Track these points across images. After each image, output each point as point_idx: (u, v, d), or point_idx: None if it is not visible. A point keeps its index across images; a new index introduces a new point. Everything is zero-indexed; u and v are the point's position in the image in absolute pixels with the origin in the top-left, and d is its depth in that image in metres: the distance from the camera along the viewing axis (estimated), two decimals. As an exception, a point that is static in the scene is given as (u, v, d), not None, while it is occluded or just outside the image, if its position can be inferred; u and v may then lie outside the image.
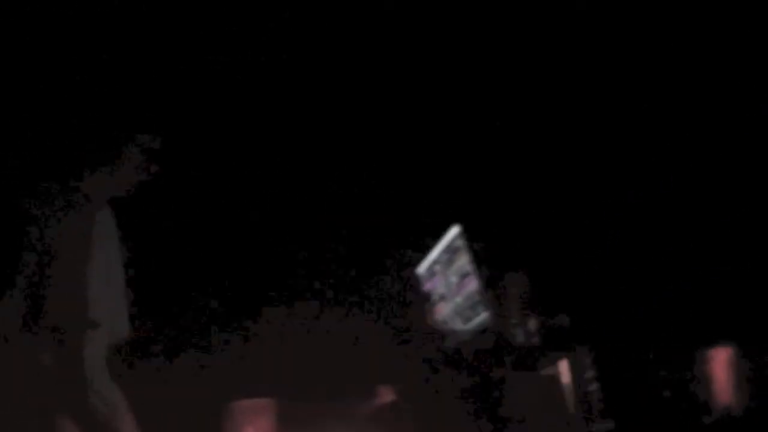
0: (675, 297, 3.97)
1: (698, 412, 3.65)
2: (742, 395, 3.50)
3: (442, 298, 4.81)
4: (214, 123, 4.56)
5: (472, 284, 4.45)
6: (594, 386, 4.00)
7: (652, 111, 4.28)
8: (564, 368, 4.12)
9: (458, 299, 4.64)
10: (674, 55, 4.10)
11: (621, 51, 4.13)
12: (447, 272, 4.71)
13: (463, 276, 4.55)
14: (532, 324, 4.38)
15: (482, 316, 4.39)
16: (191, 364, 4.92)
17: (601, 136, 4.33)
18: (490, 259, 4.42)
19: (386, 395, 5.15)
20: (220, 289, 5.18)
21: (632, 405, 3.87)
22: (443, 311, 4.81)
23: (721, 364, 3.62)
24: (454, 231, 4.56)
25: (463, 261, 4.52)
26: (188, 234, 4.86)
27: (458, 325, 4.66)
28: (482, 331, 4.39)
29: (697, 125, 4.23)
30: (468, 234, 4.49)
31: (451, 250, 4.63)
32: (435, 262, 4.84)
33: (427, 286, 5.00)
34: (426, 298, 4.96)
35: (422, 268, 5.04)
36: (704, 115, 4.18)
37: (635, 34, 4.06)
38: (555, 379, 4.16)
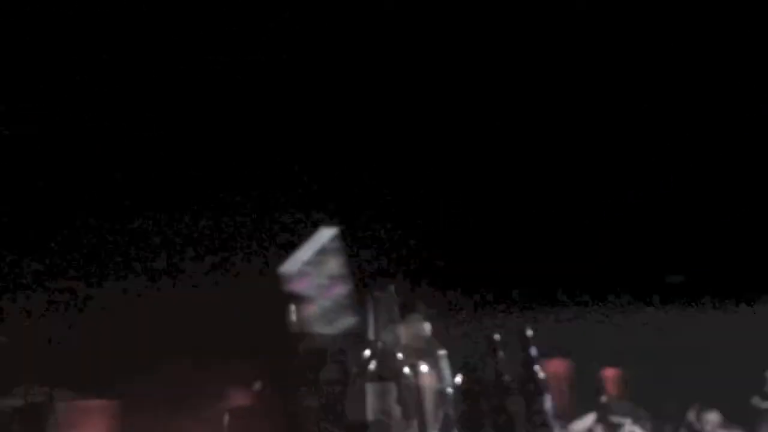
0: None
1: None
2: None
3: (309, 299, 4.69)
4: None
5: (341, 287, 4.38)
6: (451, 392, 4.03)
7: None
8: (425, 374, 4.08)
9: (324, 302, 4.55)
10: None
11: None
12: (317, 274, 4.61)
13: (333, 278, 4.46)
14: (399, 331, 4.32)
15: (347, 321, 4.32)
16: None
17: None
18: (362, 263, 4.37)
19: (240, 397, 4.95)
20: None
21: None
22: (308, 313, 4.70)
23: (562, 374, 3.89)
24: (328, 232, 4.48)
25: (335, 264, 4.44)
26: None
27: (323, 328, 4.56)
28: (347, 335, 4.31)
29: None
30: (343, 237, 4.42)
31: (323, 252, 4.54)
32: (305, 262, 4.73)
33: (294, 286, 4.87)
34: (292, 298, 4.82)
35: (290, 266, 4.91)
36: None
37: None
38: (416, 385, 4.08)
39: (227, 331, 4.31)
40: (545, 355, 3.73)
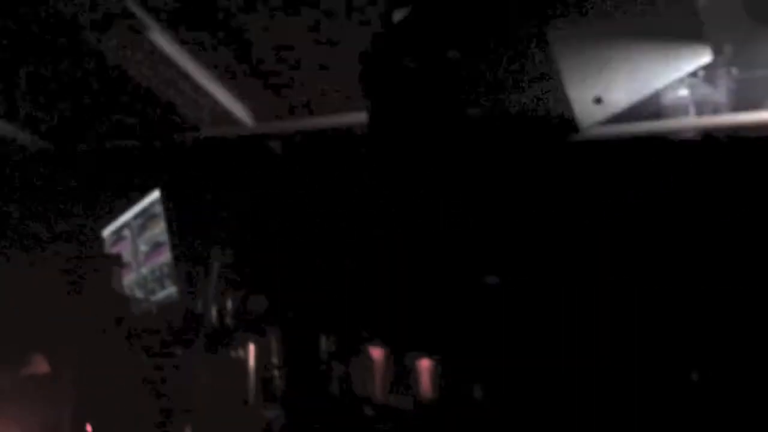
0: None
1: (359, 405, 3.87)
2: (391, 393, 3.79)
3: (127, 265, 4.45)
4: None
5: (164, 256, 4.19)
6: (277, 372, 4.02)
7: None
8: (251, 352, 4.06)
9: (144, 270, 4.34)
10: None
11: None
12: (137, 239, 4.37)
13: (156, 246, 4.26)
14: (229, 305, 4.20)
15: (169, 291, 4.15)
16: None
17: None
18: (193, 231, 4.18)
19: (41, 364, 4.62)
20: None
21: (303, 394, 4.00)
22: (126, 279, 4.46)
23: (379, 362, 3.81)
24: (153, 195, 4.24)
25: (159, 229, 4.23)
26: None
27: (141, 297, 4.35)
28: (169, 306, 4.14)
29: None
30: (170, 200, 4.21)
31: (146, 216, 4.31)
32: (125, 225, 4.47)
33: (113, 250, 4.60)
34: (111, 262, 4.55)
35: (109, 230, 4.63)
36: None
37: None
38: (241, 363, 4.08)
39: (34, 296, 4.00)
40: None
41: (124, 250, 4.47)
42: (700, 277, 3.53)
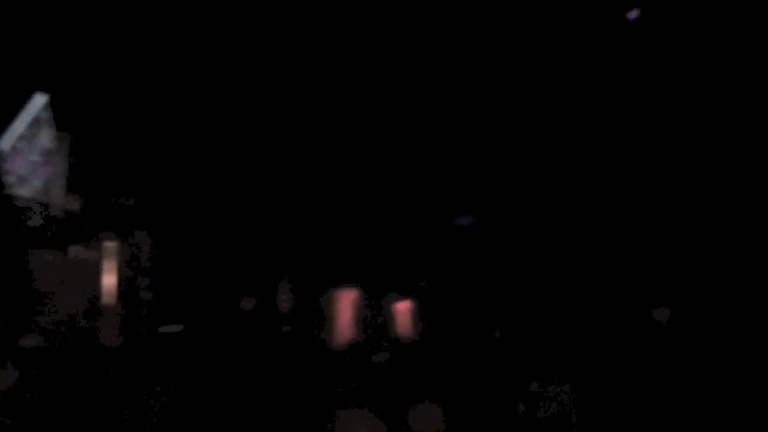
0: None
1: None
2: (357, 334, 3.79)
3: (22, 179, 3.94)
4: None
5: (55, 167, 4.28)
6: (146, 280, 3.82)
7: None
8: (108, 252, 3.84)
9: (37, 182, 4.22)
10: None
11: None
12: (30, 149, 3.98)
13: (47, 154, 4.25)
14: (74, 201, 4.59)
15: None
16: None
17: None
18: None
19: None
20: None
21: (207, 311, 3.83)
22: (24, 191, 3.99)
23: (345, 305, 3.82)
24: (38, 100, 3.99)
25: (47, 137, 4.19)
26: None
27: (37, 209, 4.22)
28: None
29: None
30: (57, 104, 4.19)
31: (35, 123, 3.99)
32: (19, 137, 3.76)
33: (10, 165, 3.70)
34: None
35: (5, 143, 3.58)
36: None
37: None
38: (89, 262, 3.84)
39: None
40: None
41: (20, 163, 3.81)
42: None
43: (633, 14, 3.99)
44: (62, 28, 4.17)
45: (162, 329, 3.54)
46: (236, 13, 4.05)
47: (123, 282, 3.53)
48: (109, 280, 3.49)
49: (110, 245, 3.52)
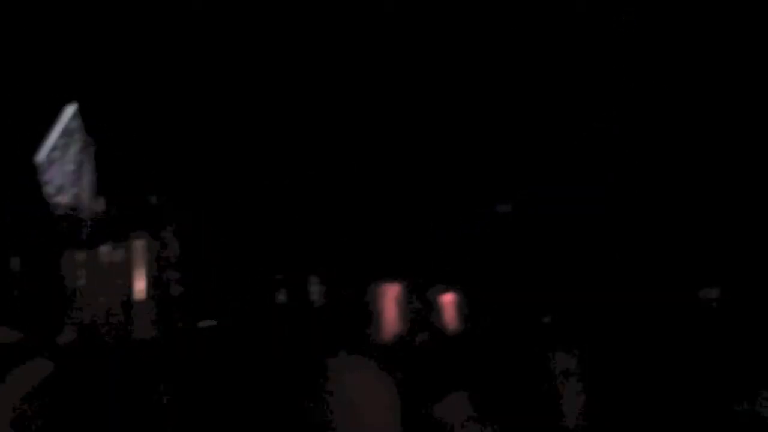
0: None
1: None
2: (405, 329, 3.76)
3: (60, 189, 4.11)
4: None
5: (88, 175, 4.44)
6: (174, 274, 3.88)
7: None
8: (137, 250, 3.92)
9: (74, 189, 4.38)
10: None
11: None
12: (64, 159, 4.14)
13: (80, 164, 4.41)
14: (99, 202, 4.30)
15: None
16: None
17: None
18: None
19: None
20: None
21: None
22: (62, 200, 4.17)
23: (390, 300, 3.77)
24: (69, 110, 4.16)
25: (78, 145, 4.35)
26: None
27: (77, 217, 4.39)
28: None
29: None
30: (88, 113, 4.35)
31: (67, 133, 4.15)
32: (53, 148, 3.93)
33: (47, 177, 3.88)
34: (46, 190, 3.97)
35: (41, 155, 3.76)
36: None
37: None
38: (118, 261, 3.93)
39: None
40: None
41: (56, 173, 3.98)
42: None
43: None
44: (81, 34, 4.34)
45: (201, 324, 3.65)
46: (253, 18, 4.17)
47: (153, 278, 3.64)
48: (139, 276, 3.60)
49: (139, 243, 3.63)
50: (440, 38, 4.04)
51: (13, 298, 3.41)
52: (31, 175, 3.95)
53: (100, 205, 3.95)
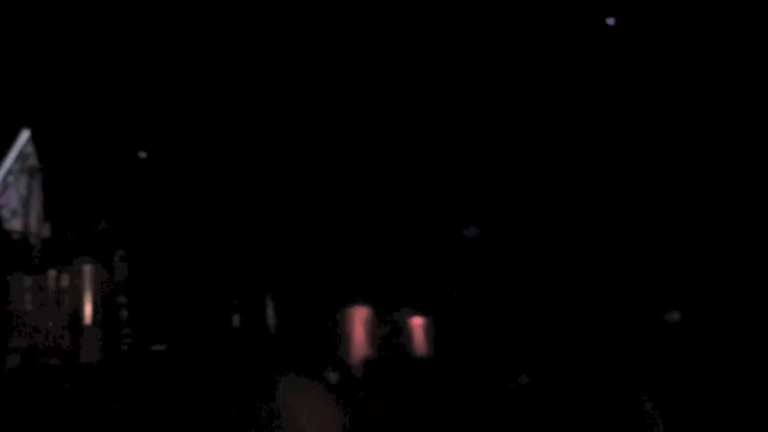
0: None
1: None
2: (373, 350, 3.70)
3: (14, 213, 4.13)
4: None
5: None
6: (122, 298, 3.84)
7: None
8: (85, 275, 3.85)
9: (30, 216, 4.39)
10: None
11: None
12: (18, 183, 4.16)
13: (31, 189, 4.42)
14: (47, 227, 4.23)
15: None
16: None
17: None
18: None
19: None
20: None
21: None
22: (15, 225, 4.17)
23: (358, 323, 3.75)
24: (23, 135, 4.18)
25: (31, 170, 4.37)
26: None
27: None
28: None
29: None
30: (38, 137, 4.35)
31: (21, 158, 4.18)
32: (8, 172, 3.95)
33: (1, 201, 3.89)
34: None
35: None
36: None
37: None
38: (65, 285, 3.86)
39: None
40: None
41: (11, 197, 4.00)
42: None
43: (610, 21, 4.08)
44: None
45: (152, 347, 3.66)
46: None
47: (100, 302, 3.64)
48: (86, 301, 3.61)
49: (87, 267, 3.65)
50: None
51: None
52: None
53: (47, 230, 3.97)
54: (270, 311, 4.14)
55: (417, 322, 3.72)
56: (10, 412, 2.93)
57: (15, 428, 2.90)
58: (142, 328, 3.65)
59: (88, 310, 3.59)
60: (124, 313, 3.63)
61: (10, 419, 2.91)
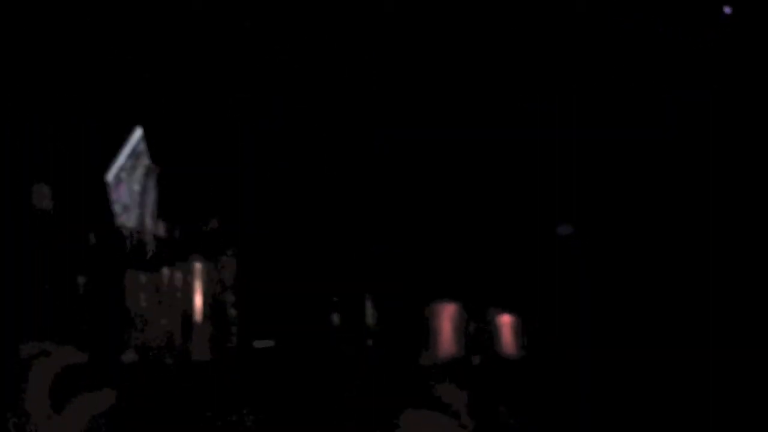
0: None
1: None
2: (460, 348, 3.69)
3: (126, 208, 4.26)
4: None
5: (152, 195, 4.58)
6: (230, 297, 3.89)
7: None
8: (195, 273, 3.94)
9: (139, 210, 4.51)
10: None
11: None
12: (131, 180, 4.29)
13: (145, 185, 4.54)
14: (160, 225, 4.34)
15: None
16: None
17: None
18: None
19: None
20: None
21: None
22: (127, 220, 4.31)
23: (445, 319, 3.73)
24: (137, 133, 4.31)
25: (143, 167, 4.48)
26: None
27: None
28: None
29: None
30: (152, 136, 4.49)
31: (134, 155, 4.30)
32: (120, 168, 4.09)
33: (114, 195, 4.05)
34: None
35: (110, 175, 3.93)
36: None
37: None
38: (178, 283, 3.96)
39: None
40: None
41: (123, 193, 4.14)
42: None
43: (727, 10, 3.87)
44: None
45: (256, 344, 3.74)
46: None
47: (210, 300, 3.73)
48: (197, 299, 3.71)
49: (198, 266, 3.74)
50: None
51: (78, 318, 3.54)
52: (99, 195, 4.11)
53: (161, 228, 4.10)
54: (368, 310, 4.17)
55: (506, 321, 3.68)
56: (129, 408, 3.02)
57: (131, 426, 3.00)
58: (249, 326, 3.71)
59: (199, 308, 3.69)
60: (232, 312, 3.72)
61: (127, 417, 3.01)
